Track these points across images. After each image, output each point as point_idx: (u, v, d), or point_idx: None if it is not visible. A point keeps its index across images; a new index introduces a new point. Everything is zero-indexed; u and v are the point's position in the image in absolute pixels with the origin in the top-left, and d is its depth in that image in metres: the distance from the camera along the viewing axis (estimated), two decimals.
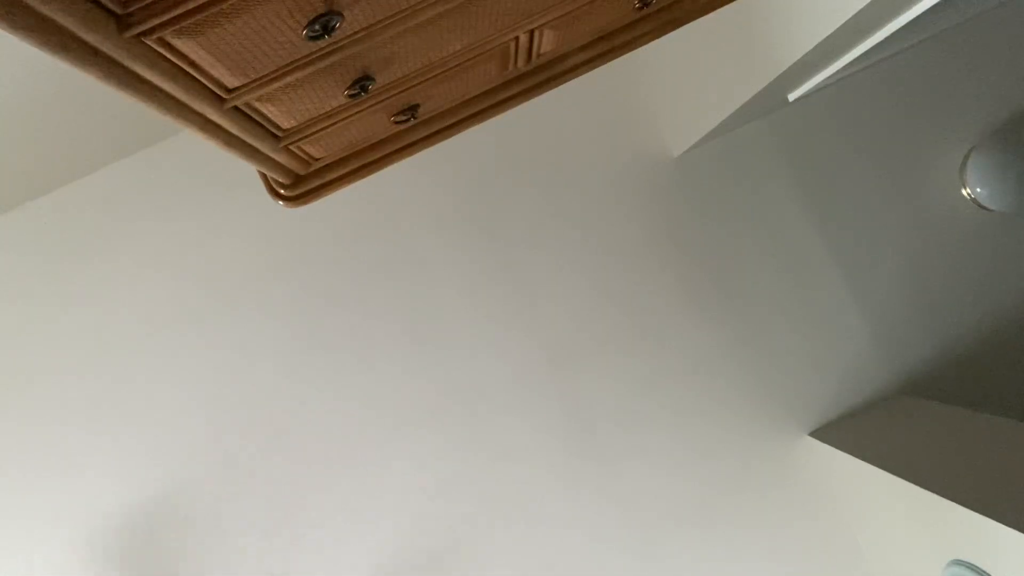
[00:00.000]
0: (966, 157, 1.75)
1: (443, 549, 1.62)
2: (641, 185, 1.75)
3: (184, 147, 1.69)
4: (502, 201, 1.73)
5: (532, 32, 0.69)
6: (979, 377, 1.75)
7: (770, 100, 1.38)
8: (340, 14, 0.48)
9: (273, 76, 0.53)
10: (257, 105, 0.57)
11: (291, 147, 0.69)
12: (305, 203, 0.79)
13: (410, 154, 0.80)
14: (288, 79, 0.54)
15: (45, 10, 0.35)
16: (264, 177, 0.77)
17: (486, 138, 1.70)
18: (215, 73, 0.50)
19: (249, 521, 1.61)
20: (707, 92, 1.45)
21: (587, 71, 0.80)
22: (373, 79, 0.61)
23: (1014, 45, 1.77)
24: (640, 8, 0.74)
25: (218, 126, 0.56)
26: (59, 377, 1.64)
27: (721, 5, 0.80)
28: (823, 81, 1.25)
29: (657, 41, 0.83)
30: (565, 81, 0.80)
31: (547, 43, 0.73)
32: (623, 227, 1.74)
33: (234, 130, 0.58)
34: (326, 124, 0.66)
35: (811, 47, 0.98)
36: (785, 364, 1.73)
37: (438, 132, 0.80)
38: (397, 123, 0.75)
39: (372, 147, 0.79)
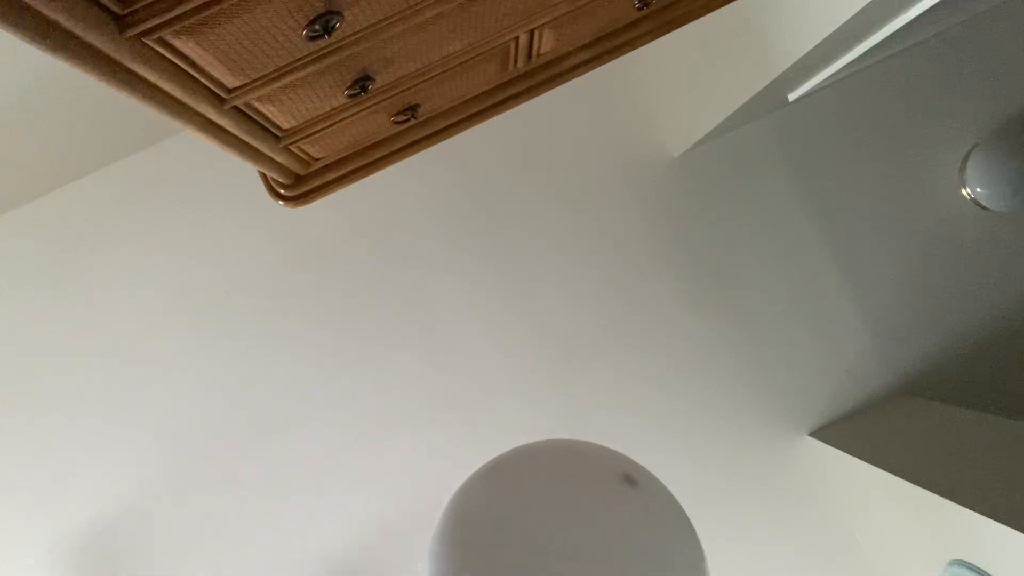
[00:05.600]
0: (966, 157, 1.75)
1: None
2: (641, 185, 1.75)
3: (184, 147, 1.69)
4: (501, 201, 1.73)
5: (532, 32, 0.69)
6: (979, 377, 1.74)
7: (770, 100, 1.38)
8: (340, 14, 0.48)
9: (273, 76, 0.53)
10: (257, 105, 0.57)
11: (291, 147, 0.69)
12: (305, 203, 0.79)
13: (410, 154, 0.80)
14: (288, 79, 0.54)
15: (45, 10, 0.35)
16: (264, 177, 0.77)
17: (487, 138, 1.70)
18: (215, 73, 0.50)
19: (262, 527, 1.62)
20: (707, 92, 1.45)
21: (587, 71, 0.80)
22: (373, 79, 0.61)
23: (1014, 45, 1.76)
24: (640, 8, 0.74)
25: (218, 126, 0.56)
26: (59, 376, 1.63)
27: (721, 5, 0.80)
28: (823, 81, 1.25)
29: (657, 41, 0.83)
30: (565, 81, 0.80)
31: (547, 43, 0.73)
32: (623, 227, 1.74)
33: (234, 130, 0.58)
34: (326, 124, 0.66)
35: (811, 47, 0.98)
36: (785, 364, 1.73)
37: (438, 132, 0.80)
38: (397, 123, 0.75)
39: (372, 147, 0.79)
